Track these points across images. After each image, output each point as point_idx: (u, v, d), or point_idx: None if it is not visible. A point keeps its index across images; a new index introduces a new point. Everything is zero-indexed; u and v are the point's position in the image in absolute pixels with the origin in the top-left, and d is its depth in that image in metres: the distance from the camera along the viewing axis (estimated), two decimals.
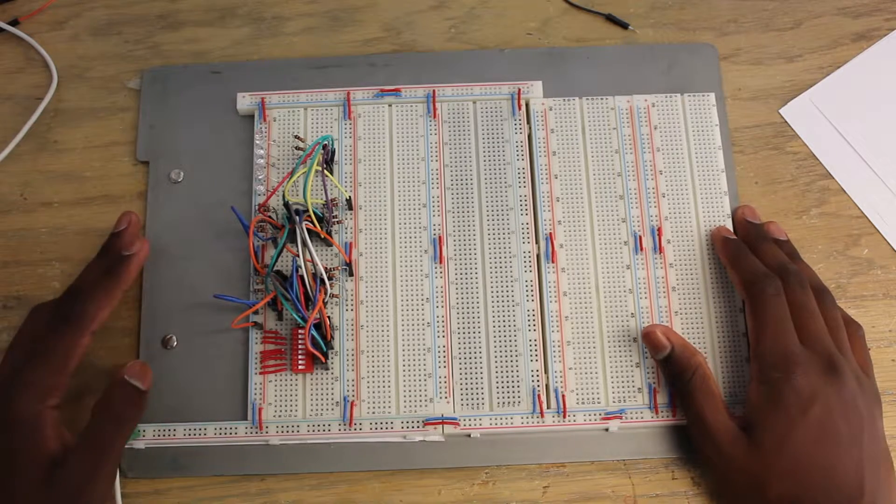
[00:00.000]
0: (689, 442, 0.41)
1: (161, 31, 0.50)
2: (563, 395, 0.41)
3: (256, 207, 0.44)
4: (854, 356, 0.39)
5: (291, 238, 0.41)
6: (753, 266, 0.41)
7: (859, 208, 0.46)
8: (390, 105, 0.46)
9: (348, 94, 0.46)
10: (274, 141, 0.46)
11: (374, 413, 0.41)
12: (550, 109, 0.46)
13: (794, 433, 0.36)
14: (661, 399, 0.41)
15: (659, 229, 0.44)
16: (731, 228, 0.44)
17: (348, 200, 0.44)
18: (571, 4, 0.50)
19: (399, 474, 0.41)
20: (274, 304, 0.42)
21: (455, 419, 0.41)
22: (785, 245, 0.43)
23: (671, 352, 0.40)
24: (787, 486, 0.36)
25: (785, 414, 0.37)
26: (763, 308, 0.39)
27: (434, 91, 0.46)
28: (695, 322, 0.43)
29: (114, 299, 0.40)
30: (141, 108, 0.47)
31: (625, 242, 0.44)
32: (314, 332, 0.40)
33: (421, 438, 0.41)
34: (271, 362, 0.42)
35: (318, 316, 0.40)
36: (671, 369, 0.40)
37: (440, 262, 0.44)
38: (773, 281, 0.39)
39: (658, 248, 0.44)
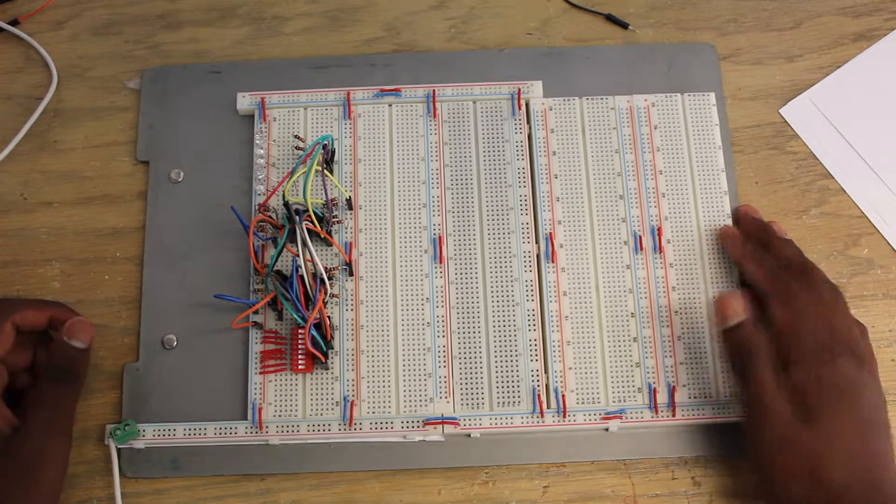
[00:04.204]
0: (690, 441, 0.41)
1: (161, 31, 0.50)
2: (563, 395, 0.41)
3: (256, 207, 0.44)
4: None
5: (291, 238, 0.41)
6: (777, 260, 0.41)
7: (859, 208, 0.46)
8: (390, 105, 0.46)
9: (348, 94, 0.46)
10: (274, 141, 0.46)
11: (374, 413, 0.41)
12: (550, 109, 0.46)
13: (850, 419, 0.37)
14: (661, 399, 0.41)
15: (659, 229, 0.44)
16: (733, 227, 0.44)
17: (348, 200, 0.44)
18: (571, 4, 0.50)
19: (399, 474, 0.41)
20: (274, 304, 0.42)
21: (455, 419, 0.41)
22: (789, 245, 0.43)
23: (740, 324, 0.39)
24: (843, 474, 0.36)
25: (837, 401, 0.37)
26: (796, 298, 0.39)
27: (434, 91, 0.46)
28: (695, 321, 0.42)
29: (29, 307, 0.40)
30: (141, 108, 0.47)
31: (625, 242, 0.44)
32: (314, 332, 0.40)
33: (421, 438, 0.41)
34: (271, 362, 0.42)
35: (318, 316, 0.40)
36: (734, 341, 0.40)
37: (440, 262, 0.44)
38: (796, 273, 0.40)
39: (658, 248, 0.44)
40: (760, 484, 0.39)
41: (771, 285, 0.41)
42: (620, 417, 0.41)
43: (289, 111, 0.46)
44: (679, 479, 0.41)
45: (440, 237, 0.44)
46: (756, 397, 0.38)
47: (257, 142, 0.46)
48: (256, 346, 0.42)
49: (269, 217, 0.42)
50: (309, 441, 0.41)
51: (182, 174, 0.46)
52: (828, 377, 0.37)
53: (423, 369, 0.42)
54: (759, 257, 0.42)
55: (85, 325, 0.40)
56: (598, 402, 0.41)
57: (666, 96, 0.47)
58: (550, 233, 0.44)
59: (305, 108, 0.46)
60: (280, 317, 0.43)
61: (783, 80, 0.48)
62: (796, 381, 0.38)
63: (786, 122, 0.47)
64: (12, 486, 0.36)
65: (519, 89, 0.46)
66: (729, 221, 0.44)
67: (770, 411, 0.38)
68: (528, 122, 0.46)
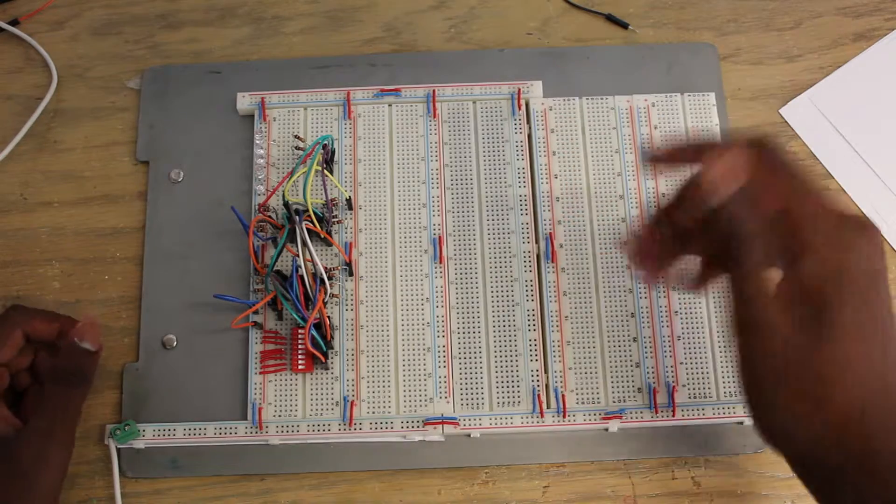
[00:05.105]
0: (690, 441, 0.41)
1: (161, 31, 0.50)
2: (563, 395, 0.41)
3: (256, 207, 0.44)
4: None
5: (291, 238, 0.41)
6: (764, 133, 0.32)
7: (859, 208, 0.46)
8: (390, 105, 0.46)
9: (348, 94, 0.46)
10: (274, 141, 0.46)
11: (374, 413, 0.41)
12: (550, 109, 0.46)
13: (873, 323, 0.29)
14: (661, 399, 0.41)
15: None
16: None
17: (348, 200, 0.44)
18: (571, 4, 0.50)
19: (399, 474, 0.41)
20: (274, 304, 0.42)
21: (455, 419, 0.41)
22: None
23: (730, 199, 0.30)
24: (858, 392, 0.29)
25: (859, 295, 0.29)
26: (794, 168, 0.31)
27: (434, 91, 0.46)
28: (695, 321, 0.43)
29: (41, 318, 0.40)
30: (141, 108, 0.47)
31: (625, 242, 0.44)
32: (314, 332, 0.40)
33: (421, 438, 0.41)
34: (271, 362, 0.42)
35: (318, 316, 0.40)
36: (722, 223, 0.31)
37: (440, 262, 0.44)
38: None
39: None
40: (754, 413, 0.31)
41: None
42: (620, 417, 0.41)
43: (289, 111, 0.46)
44: (679, 479, 0.41)
45: (440, 237, 0.44)
46: (747, 304, 0.30)
47: (257, 142, 0.46)
48: (256, 346, 0.42)
49: (269, 217, 0.42)
50: (309, 441, 0.41)
51: (182, 174, 0.46)
52: (847, 267, 0.29)
53: (423, 369, 0.42)
54: (750, 137, 0.32)
55: (95, 327, 0.39)
56: (598, 402, 0.41)
57: (666, 96, 0.47)
58: (550, 233, 0.44)
59: (305, 108, 0.46)
60: (280, 317, 0.43)
61: (783, 80, 0.48)
62: (806, 277, 0.29)
63: (786, 122, 0.47)
64: (10, 489, 0.36)
65: (519, 89, 0.46)
66: None
67: (766, 325, 0.30)
68: (528, 122, 0.46)
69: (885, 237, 0.45)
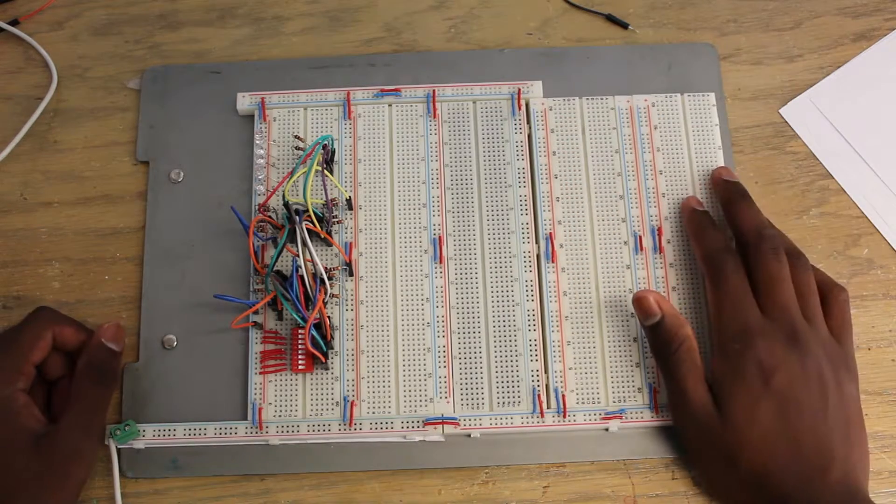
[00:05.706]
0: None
1: (161, 31, 0.50)
2: (563, 395, 0.41)
3: (256, 207, 0.44)
4: (832, 320, 0.39)
5: (291, 238, 0.41)
6: (715, 241, 0.41)
7: (859, 208, 0.46)
8: (390, 105, 0.46)
9: (348, 94, 0.46)
10: (274, 141, 0.46)
11: (374, 413, 0.41)
12: (550, 109, 0.46)
13: (758, 405, 0.37)
14: (661, 399, 0.41)
15: (659, 229, 0.44)
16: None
17: (348, 200, 0.44)
18: (571, 4, 0.50)
19: (399, 474, 0.41)
20: (274, 304, 0.42)
21: (455, 419, 0.41)
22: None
23: (661, 320, 0.40)
24: (757, 458, 0.36)
25: (747, 386, 0.37)
26: (722, 282, 0.39)
27: (434, 91, 0.46)
28: (694, 322, 0.42)
29: (73, 325, 0.41)
30: (141, 108, 0.47)
31: (625, 242, 0.44)
32: (314, 332, 0.40)
33: (421, 438, 0.41)
34: (271, 362, 0.42)
35: (318, 316, 0.40)
36: (658, 338, 0.40)
37: (440, 262, 0.44)
38: (732, 257, 0.40)
39: (658, 248, 0.44)
40: (696, 477, 0.41)
41: (705, 267, 0.41)
42: (620, 417, 0.41)
43: (289, 111, 0.46)
44: (679, 479, 0.41)
45: (440, 237, 0.44)
46: (678, 393, 0.39)
47: (257, 142, 0.46)
48: (256, 346, 0.42)
49: (269, 217, 0.42)
50: (309, 441, 0.41)
51: (182, 174, 0.46)
52: (737, 364, 0.38)
53: (423, 369, 0.42)
54: (703, 236, 0.42)
55: (120, 329, 0.41)
56: (598, 402, 0.41)
57: (666, 96, 0.47)
58: (550, 233, 0.44)
59: (305, 108, 0.46)
60: (280, 317, 0.43)
61: (783, 80, 0.48)
62: (713, 371, 0.39)
63: (786, 122, 0.47)
64: (45, 484, 0.37)
65: (519, 89, 0.46)
66: None
67: (691, 404, 0.38)
68: (528, 122, 0.46)
69: (887, 239, 0.45)
